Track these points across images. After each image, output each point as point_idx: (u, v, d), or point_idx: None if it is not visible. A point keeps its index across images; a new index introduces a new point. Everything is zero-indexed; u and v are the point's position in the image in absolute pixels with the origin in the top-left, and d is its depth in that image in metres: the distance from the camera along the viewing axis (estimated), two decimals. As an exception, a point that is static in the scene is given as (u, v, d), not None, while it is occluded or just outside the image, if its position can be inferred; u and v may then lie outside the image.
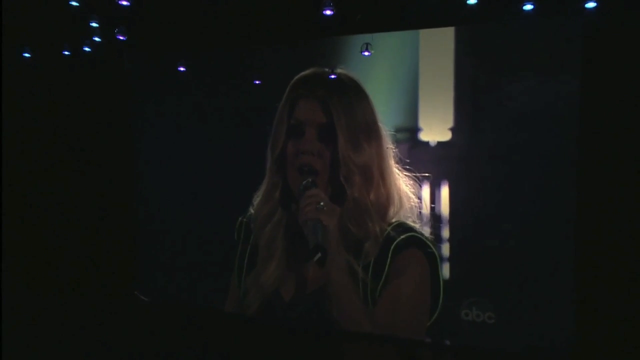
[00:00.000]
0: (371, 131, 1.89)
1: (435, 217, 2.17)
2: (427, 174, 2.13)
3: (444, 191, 2.24)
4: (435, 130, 2.26)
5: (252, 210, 2.00)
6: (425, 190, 2.18)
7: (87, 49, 2.71)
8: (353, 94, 1.88)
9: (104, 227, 3.01)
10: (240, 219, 2.05)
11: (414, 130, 2.26)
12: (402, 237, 1.81)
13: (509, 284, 2.10)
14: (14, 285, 2.94)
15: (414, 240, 1.83)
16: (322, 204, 1.75)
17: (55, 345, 2.65)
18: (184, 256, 2.72)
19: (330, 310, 1.80)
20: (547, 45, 2.07)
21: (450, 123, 2.26)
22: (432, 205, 2.18)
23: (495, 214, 2.14)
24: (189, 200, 2.71)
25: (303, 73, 1.93)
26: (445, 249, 2.22)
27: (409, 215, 1.90)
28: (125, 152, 2.96)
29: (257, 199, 1.99)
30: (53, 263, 3.04)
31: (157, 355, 2.51)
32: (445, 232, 2.23)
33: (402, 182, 1.93)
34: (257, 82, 2.46)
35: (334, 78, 1.91)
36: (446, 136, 2.26)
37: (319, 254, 1.64)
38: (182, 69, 2.62)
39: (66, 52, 2.79)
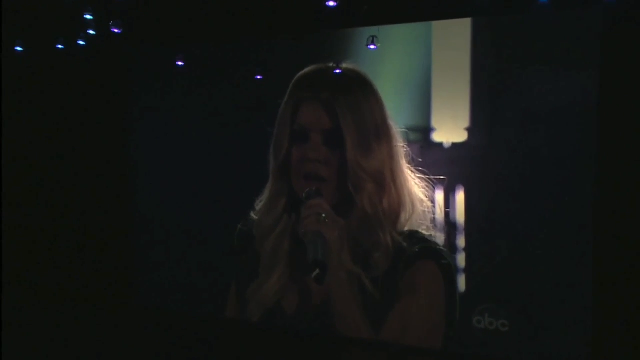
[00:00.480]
0: (381, 131, 1.81)
1: (450, 223, 2.08)
2: (441, 177, 2.02)
3: (459, 196, 2.12)
4: (450, 130, 2.14)
5: (253, 216, 1.94)
6: (439, 195, 2.08)
7: (81, 42, 2.63)
8: (360, 92, 1.80)
9: (99, 229, 2.95)
10: (239, 227, 1.99)
11: (426, 130, 2.14)
12: (414, 248, 1.75)
13: (524, 290, 2.02)
14: (3, 288, 2.91)
15: (427, 251, 1.76)
16: (323, 215, 1.68)
17: (50, 351, 2.66)
18: (183, 260, 2.67)
19: (334, 325, 1.76)
20: (564, 39, 1.98)
21: (465, 122, 2.13)
22: (447, 210, 2.08)
23: (512, 219, 2.05)
24: (188, 201, 2.65)
25: (305, 71, 1.86)
26: (459, 255, 2.13)
27: (422, 220, 1.83)
28: (122, 151, 2.88)
29: (259, 206, 1.93)
30: (44, 267, 2.99)
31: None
32: (461, 240, 2.12)
33: (414, 184, 1.86)
34: (259, 77, 2.37)
35: (338, 74, 1.83)
36: (461, 137, 2.13)
37: (317, 271, 1.59)
38: (180, 63, 2.53)
39: (60, 46, 2.72)
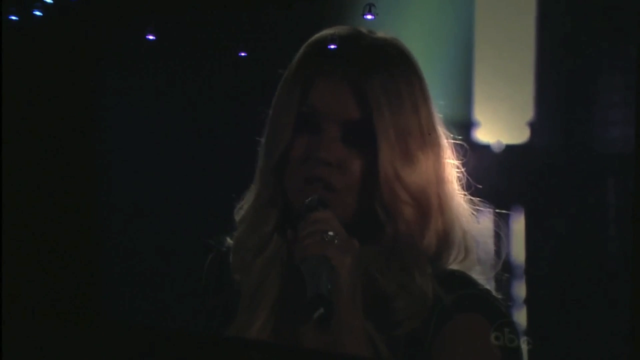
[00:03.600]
0: (427, 138, 1.50)
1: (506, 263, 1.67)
2: (504, 211, 1.63)
3: (518, 225, 1.68)
4: (502, 126, 1.70)
5: (229, 240, 1.62)
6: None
7: (37, 12, 2.38)
8: (403, 79, 1.47)
9: (60, 234, 2.70)
10: (210, 256, 1.70)
11: (465, 126, 1.69)
12: (456, 294, 1.43)
13: (550, 301, 1.77)
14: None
15: (473, 300, 1.44)
16: (330, 233, 1.39)
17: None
18: (157, 269, 2.51)
19: None
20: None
21: (528, 113, 1.67)
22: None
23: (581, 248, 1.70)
24: (162, 203, 2.48)
25: (323, 33, 1.52)
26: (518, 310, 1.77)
27: (478, 268, 1.52)
28: (85, 143, 2.68)
29: (239, 217, 1.61)
30: None
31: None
32: (520, 288, 1.71)
33: (470, 217, 1.53)
34: (243, 54, 2.10)
35: (373, 45, 1.50)
36: (521, 135, 1.69)
37: (321, 309, 1.30)
38: (151, 37, 2.25)
39: (13, 17, 2.46)
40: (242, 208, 1.62)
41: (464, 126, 1.71)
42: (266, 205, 1.56)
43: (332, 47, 1.50)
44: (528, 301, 1.75)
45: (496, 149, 1.71)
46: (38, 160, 2.73)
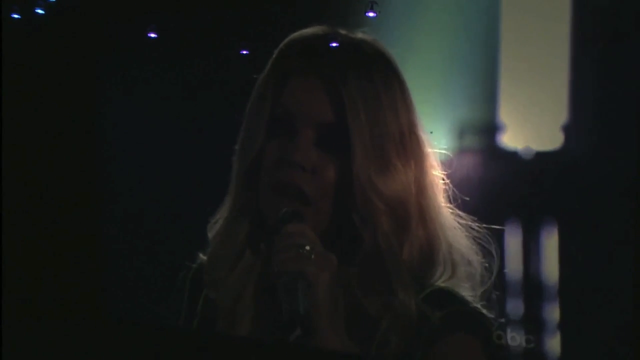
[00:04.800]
0: (407, 143, 1.43)
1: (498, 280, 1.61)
2: (498, 227, 1.57)
3: (549, 243, 1.56)
4: (532, 129, 1.58)
5: (201, 257, 1.46)
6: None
7: (40, 11, 2.40)
8: (381, 80, 1.40)
9: (61, 234, 2.74)
10: (184, 272, 1.51)
11: (490, 130, 1.59)
12: (442, 312, 1.34)
13: (554, 299, 1.74)
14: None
15: (460, 318, 1.36)
16: (307, 247, 1.31)
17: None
18: (158, 269, 2.42)
19: None
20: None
21: (561, 117, 1.56)
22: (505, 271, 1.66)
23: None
24: (165, 201, 2.50)
25: (300, 32, 1.42)
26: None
27: (464, 283, 1.39)
28: (87, 142, 2.75)
29: (213, 232, 1.48)
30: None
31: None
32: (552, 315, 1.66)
33: (456, 230, 1.40)
34: (244, 52, 2.12)
35: (352, 46, 1.43)
36: (554, 141, 1.57)
37: (298, 330, 1.26)
38: (152, 35, 2.25)
39: (15, 16, 2.49)
40: (217, 222, 1.59)
41: (486, 130, 1.62)
42: (238, 216, 1.47)
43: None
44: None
45: (524, 155, 1.61)
46: (39, 159, 2.77)
